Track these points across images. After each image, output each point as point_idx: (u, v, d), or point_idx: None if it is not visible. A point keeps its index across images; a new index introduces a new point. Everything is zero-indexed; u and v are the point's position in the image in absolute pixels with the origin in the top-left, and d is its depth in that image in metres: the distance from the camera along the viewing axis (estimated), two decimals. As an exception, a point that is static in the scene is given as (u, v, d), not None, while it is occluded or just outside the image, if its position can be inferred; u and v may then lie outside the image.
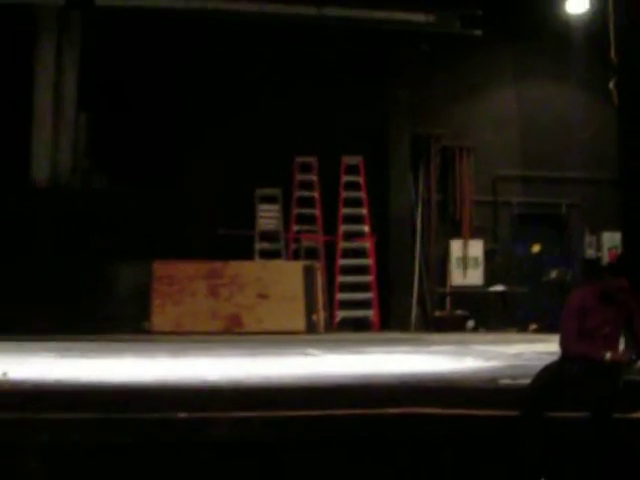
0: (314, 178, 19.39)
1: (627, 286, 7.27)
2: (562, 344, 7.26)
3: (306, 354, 12.82)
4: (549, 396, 7.17)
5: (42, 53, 18.06)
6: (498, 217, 20.51)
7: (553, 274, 19.37)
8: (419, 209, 20.03)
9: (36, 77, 18.03)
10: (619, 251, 15.60)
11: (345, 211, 19.44)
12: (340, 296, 19.15)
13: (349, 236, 19.46)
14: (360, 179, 19.56)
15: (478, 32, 18.79)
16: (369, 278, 19.34)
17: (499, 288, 19.91)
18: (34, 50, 18.06)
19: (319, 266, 18.60)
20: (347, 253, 19.42)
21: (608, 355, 7.06)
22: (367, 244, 19.44)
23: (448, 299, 20.06)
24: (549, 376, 7.27)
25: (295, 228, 19.20)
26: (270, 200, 19.29)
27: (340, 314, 19.11)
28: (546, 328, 16.98)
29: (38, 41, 18.06)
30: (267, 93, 18.88)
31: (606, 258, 19.65)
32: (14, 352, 12.24)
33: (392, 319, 19.40)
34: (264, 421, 7.48)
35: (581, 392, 7.11)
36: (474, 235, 20.24)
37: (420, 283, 19.85)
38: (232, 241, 18.21)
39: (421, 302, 19.83)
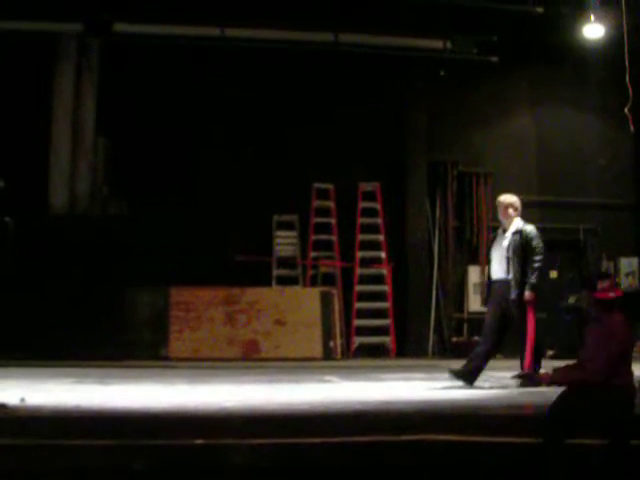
0: (331, 204, 19.40)
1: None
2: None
3: (324, 381, 12.79)
4: (571, 422, 7.12)
5: (61, 79, 18.17)
6: (515, 243, 20.39)
7: (571, 300, 19.22)
8: (436, 235, 20.02)
9: (54, 103, 18.14)
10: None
11: (362, 237, 19.44)
12: (357, 322, 19.12)
13: (366, 262, 19.44)
14: (377, 205, 19.56)
15: (494, 58, 18.87)
16: (386, 304, 19.30)
17: (516, 314, 19.77)
18: (53, 76, 18.18)
19: (336, 292, 18.59)
20: (364, 279, 19.40)
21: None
22: (384, 270, 19.42)
23: (465, 325, 20.00)
24: (570, 402, 7.22)
25: (312, 254, 19.19)
26: (287, 226, 19.32)
27: (357, 340, 19.08)
28: (563, 354, 16.84)
29: (57, 67, 18.19)
30: (284, 120, 18.94)
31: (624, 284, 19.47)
32: (32, 378, 12.26)
33: (409, 346, 19.36)
34: (282, 448, 7.46)
35: (598, 416, 7.05)
36: (491, 261, 20.13)
37: (437, 309, 19.82)
38: (249, 267, 18.22)
39: (438, 328, 19.79)
